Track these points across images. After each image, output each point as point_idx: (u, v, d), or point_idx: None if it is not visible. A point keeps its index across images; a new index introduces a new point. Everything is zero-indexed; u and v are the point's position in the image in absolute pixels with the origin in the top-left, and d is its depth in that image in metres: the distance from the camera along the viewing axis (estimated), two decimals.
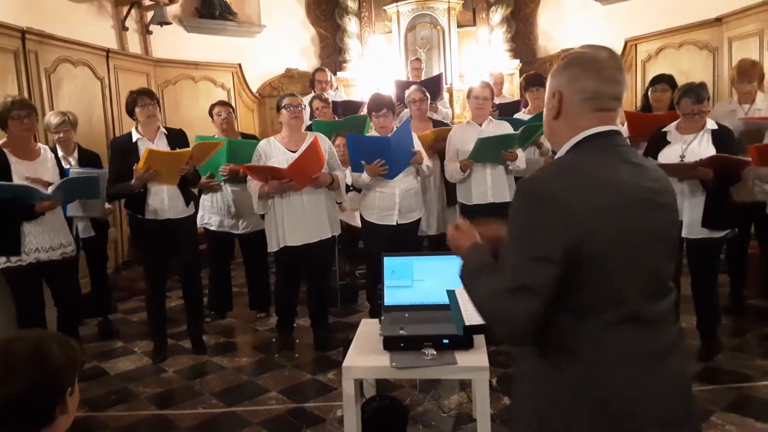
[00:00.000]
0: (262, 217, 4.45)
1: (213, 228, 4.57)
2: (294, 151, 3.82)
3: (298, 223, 3.82)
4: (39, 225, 3.46)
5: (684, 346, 1.48)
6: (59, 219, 3.61)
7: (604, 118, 1.38)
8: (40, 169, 3.51)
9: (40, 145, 3.67)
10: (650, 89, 4.42)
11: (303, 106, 3.94)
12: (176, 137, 3.93)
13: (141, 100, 3.80)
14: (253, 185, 3.84)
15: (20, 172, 3.42)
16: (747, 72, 4.19)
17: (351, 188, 4.70)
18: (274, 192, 3.77)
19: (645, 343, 1.31)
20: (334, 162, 3.99)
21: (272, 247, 3.92)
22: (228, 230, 4.58)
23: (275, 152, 3.86)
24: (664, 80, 4.40)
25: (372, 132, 4.29)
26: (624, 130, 4.08)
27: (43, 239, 3.48)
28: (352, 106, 5.81)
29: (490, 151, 4.09)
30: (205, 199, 4.60)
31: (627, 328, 1.30)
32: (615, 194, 1.30)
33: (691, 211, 3.48)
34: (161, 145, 3.85)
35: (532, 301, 1.25)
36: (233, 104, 7.06)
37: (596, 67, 1.38)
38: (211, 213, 4.57)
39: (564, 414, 1.33)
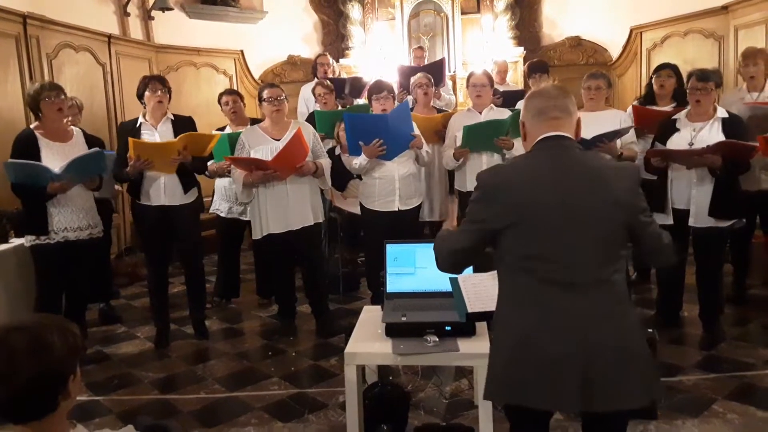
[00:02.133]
0: None
1: (223, 214, 4.60)
2: (278, 139, 3.82)
3: (282, 210, 3.83)
4: (67, 205, 3.51)
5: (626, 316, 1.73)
6: (88, 200, 3.65)
7: (553, 125, 1.77)
8: (72, 151, 3.53)
9: (72, 127, 3.70)
10: (654, 76, 4.41)
11: (283, 97, 3.92)
12: (182, 124, 3.89)
13: (152, 84, 3.82)
14: (237, 174, 3.85)
15: (52, 155, 3.45)
16: (752, 55, 4.19)
17: (356, 176, 4.69)
18: (257, 182, 3.77)
19: (552, 306, 1.67)
20: (319, 150, 4.00)
21: (256, 234, 3.93)
22: (237, 216, 4.59)
23: (259, 140, 3.85)
24: (669, 67, 4.39)
25: None
26: (627, 118, 4.06)
27: (71, 219, 3.53)
28: (359, 84, 5.80)
29: (480, 138, 4.03)
30: (218, 187, 4.62)
31: (538, 291, 1.69)
32: (531, 188, 1.70)
33: (698, 200, 3.45)
34: (165, 130, 3.83)
35: (459, 243, 1.82)
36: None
37: (541, 93, 1.85)
38: (221, 200, 4.59)
39: (494, 356, 1.80)
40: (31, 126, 3.56)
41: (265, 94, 3.87)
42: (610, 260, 1.70)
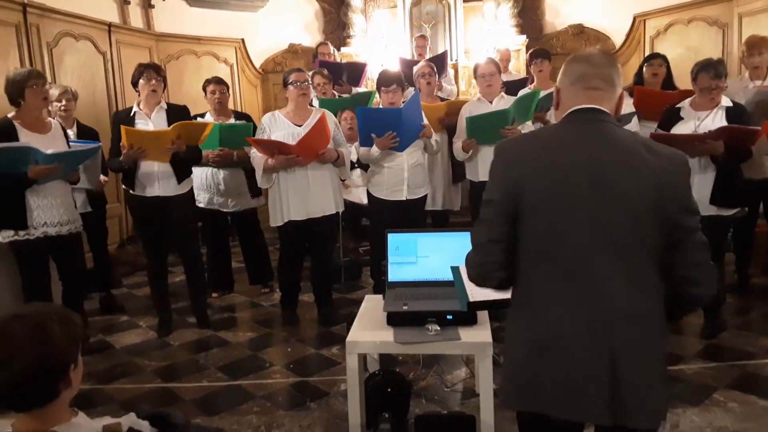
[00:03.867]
0: (252, 196, 4.51)
1: (202, 205, 4.47)
2: (299, 125, 3.80)
3: (303, 197, 3.81)
4: (47, 199, 3.45)
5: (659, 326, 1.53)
6: (67, 195, 3.60)
7: (593, 97, 1.55)
8: (51, 143, 3.47)
9: (50, 119, 3.65)
10: (645, 65, 4.44)
11: (309, 82, 3.89)
12: (176, 113, 3.86)
13: (147, 73, 3.78)
14: (258, 159, 3.82)
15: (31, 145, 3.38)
16: (756, 44, 4.18)
17: (356, 165, 4.68)
18: (279, 167, 3.75)
19: (573, 298, 1.48)
20: (339, 138, 3.97)
21: (276, 221, 3.91)
22: (217, 208, 4.53)
23: (280, 126, 3.83)
24: (660, 57, 4.42)
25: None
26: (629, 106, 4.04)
27: (51, 214, 3.46)
28: (356, 70, 5.78)
29: (484, 129, 3.99)
30: (196, 176, 4.45)
31: (558, 280, 1.49)
32: (555, 157, 1.50)
33: (700, 188, 3.43)
34: (159, 119, 3.81)
35: (480, 230, 1.57)
36: (236, 80, 7.04)
37: (585, 58, 1.61)
38: (199, 190, 4.44)
39: (509, 358, 1.60)
40: (9, 115, 3.41)
41: (292, 77, 3.82)
42: (644, 254, 1.47)
